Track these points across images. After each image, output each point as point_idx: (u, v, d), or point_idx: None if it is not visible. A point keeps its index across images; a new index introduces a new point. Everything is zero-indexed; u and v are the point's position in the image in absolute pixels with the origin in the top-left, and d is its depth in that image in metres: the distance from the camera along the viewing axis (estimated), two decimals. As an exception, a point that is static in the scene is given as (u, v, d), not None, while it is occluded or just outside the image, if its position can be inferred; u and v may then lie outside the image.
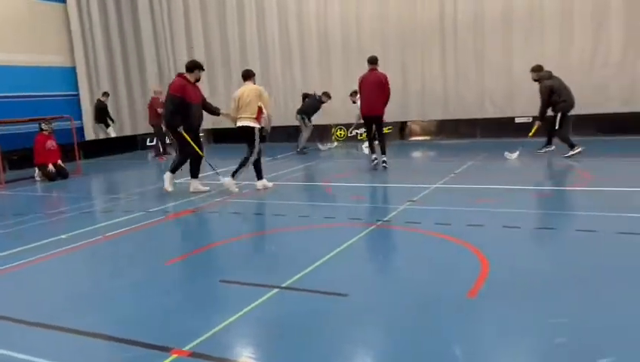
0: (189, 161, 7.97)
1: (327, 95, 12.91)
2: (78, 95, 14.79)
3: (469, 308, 3.27)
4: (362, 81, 9.06)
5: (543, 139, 10.01)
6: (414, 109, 14.16)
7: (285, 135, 14.45)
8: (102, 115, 14.91)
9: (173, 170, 8.07)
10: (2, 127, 11.62)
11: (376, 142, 9.31)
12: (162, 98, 14.34)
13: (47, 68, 14.06)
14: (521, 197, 6.48)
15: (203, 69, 7.93)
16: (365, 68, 9.18)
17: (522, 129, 12.47)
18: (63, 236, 5.73)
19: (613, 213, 5.34)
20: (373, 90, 8.87)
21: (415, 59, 13.81)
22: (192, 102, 7.64)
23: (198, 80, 7.82)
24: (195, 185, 8.09)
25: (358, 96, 9.76)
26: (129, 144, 16.25)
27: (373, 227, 5.29)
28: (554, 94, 9.40)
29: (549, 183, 7.78)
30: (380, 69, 9.16)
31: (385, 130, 9.72)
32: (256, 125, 7.64)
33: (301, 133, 12.80)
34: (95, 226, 6.30)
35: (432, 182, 7.45)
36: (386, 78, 8.96)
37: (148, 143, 16.45)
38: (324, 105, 12.98)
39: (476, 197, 6.55)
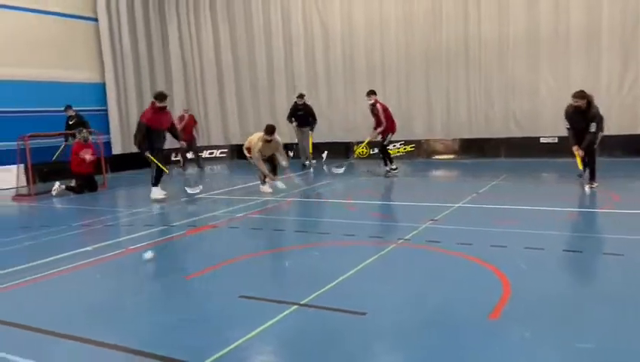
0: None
1: (299, 96, 13.46)
2: (106, 110, 15.16)
3: (491, 330, 3.21)
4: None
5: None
6: (439, 128, 14.11)
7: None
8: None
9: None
10: (33, 140, 11.93)
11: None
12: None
13: (78, 84, 14.47)
14: (545, 219, 6.35)
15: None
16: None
17: (547, 149, 12.32)
18: (89, 248, 5.83)
19: (642, 237, 5.19)
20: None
21: (440, 78, 13.80)
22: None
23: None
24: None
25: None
26: (154, 159, 16.51)
27: (393, 245, 5.25)
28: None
29: (575, 205, 7.61)
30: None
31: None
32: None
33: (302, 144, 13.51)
34: (118, 239, 6.40)
35: (454, 202, 7.37)
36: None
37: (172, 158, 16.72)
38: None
39: (499, 217, 6.45)
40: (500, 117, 13.32)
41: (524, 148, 12.95)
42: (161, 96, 9.04)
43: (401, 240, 5.40)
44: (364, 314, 3.50)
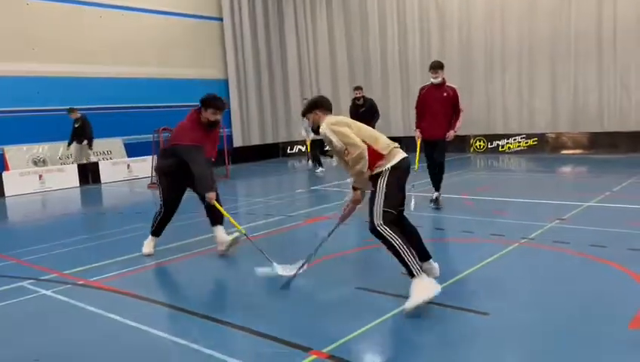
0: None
1: (357, 88, 10.63)
2: (229, 105, 16.08)
3: (632, 340, 2.93)
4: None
5: None
6: (564, 120, 13.13)
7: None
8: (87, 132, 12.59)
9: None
10: (165, 134, 13.00)
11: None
12: None
13: (202, 80, 15.50)
14: (695, 222, 5.66)
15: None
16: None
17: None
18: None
19: None
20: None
21: (567, 65, 12.82)
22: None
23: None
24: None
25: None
26: (272, 151, 17.27)
27: (516, 244, 4.98)
28: None
29: None
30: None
31: None
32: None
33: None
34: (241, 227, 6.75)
35: (584, 200, 6.83)
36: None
37: (288, 151, 17.40)
38: None
39: (638, 219, 5.86)
40: (636, 107, 12.07)
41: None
42: (217, 104, 5.29)
43: (525, 240, 5.11)
44: (486, 314, 3.37)
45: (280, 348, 3.05)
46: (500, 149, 13.98)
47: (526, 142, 13.65)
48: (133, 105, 13.88)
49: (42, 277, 4.76)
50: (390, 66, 15.75)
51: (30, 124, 12.20)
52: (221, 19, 15.87)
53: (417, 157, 7.45)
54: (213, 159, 5.35)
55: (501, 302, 3.61)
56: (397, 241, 3.49)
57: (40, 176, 11.84)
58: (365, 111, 10.19)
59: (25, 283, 4.59)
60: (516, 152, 13.74)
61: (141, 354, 3.17)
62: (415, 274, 3.46)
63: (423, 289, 3.39)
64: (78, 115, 12.38)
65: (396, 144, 3.85)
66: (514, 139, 13.82)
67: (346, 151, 3.69)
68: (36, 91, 12.32)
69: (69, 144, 12.59)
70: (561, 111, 13.13)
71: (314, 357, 2.90)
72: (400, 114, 15.54)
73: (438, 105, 6.94)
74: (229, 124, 15.78)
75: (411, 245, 3.60)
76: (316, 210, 7.56)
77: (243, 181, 12.34)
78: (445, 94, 6.93)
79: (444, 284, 3.93)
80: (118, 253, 5.43)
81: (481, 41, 13.99)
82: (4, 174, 11.50)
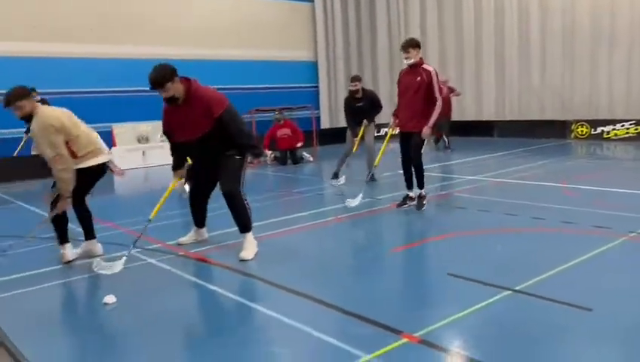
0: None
1: (354, 79, 8.67)
2: (317, 87, 16.22)
3: None
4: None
5: None
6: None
7: (519, 129, 13.71)
8: None
9: None
10: (257, 115, 13.42)
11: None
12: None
13: (294, 62, 15.75)
14: None
15: None
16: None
17: None
18: (304, 213, 6.36)
19: None
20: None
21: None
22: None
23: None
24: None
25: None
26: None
27: (624, 238, 4.63)
28: None
29: None
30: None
31: None
32: None
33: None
34: (328, 208, 6.86)
35: None
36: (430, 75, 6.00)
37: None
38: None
39: None
40: None
41: None
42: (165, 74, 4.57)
43: (634, 234, 4.75)
44: (589, 309, 3.18)
45: (370, 329, 3.07)
46: (605, 136, 12.99)
47: (635, 129, 12.55)
48: (225, 85, 14.35)
49: (148, 247, 5.11)
50: (485, 52, 15.04)
51: (136, 103, 12.97)
52: (312, 1, 15.95)
53: (381, 152, 6.83)
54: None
55: (606, 298, 3.38)
56: None
57: (143, 153, 12.66)
58: (362, 107, 8.50)
59: (133, 252, 4.95)
60: (623, 139, 12.68)
61: (236, 324, 3.33)
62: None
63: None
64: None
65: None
66: (621, 125, 12.78)
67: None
68: (138, 73, 13.06)
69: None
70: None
71: (406, 340, 2.89)
72: (493, 101, 14.93)
73: (410, 91, 6.07)
74: (317, 106, 15.94)
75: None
76: (402, 194, 7.46)
77: (330, 162, 12.44)
78: (419, 78, 5.97)
79: (543, 276, 3.76)
80: (216, 227, 5.67)
81: (585, 16, 12.95)
82: (112, 150, 12.41)
